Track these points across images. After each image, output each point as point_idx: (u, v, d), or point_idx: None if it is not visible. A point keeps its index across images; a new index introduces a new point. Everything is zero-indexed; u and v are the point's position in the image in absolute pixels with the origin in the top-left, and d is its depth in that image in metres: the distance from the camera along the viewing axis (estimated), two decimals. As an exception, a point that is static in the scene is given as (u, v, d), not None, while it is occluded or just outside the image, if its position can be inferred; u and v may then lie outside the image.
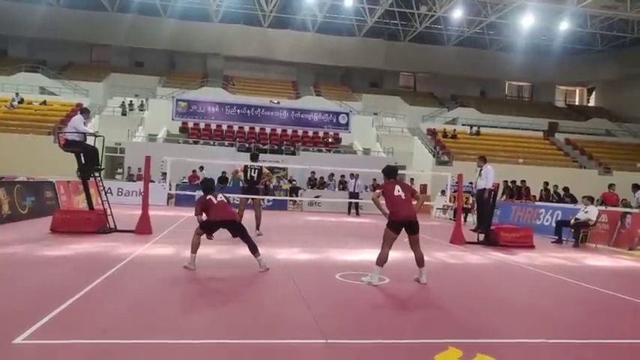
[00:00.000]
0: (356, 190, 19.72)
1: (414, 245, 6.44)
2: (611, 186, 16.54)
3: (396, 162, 25.43)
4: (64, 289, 5.02)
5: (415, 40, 36.05)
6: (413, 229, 6.33)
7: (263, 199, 12.21)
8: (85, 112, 10.77)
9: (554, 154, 30.02)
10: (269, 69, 36.91)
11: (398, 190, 6.37)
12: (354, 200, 18.83)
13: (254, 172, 10.77)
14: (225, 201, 6.98)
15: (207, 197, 6.96)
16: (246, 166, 10.98)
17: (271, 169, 23.26)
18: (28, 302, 4.64)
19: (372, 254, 8.79)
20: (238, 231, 6.82)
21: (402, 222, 6.27)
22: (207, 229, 6.89)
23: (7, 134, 22.42)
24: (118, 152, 24.10)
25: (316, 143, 27.19)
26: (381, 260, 6.21)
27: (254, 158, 11.24)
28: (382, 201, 6.52)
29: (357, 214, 19.40)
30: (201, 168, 20.36)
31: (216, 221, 6.80)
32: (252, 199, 10.99)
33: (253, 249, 6.71)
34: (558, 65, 37.35)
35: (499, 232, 10.93)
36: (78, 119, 10.05)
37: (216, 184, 14.79)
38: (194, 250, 6.67)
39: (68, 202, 14.35)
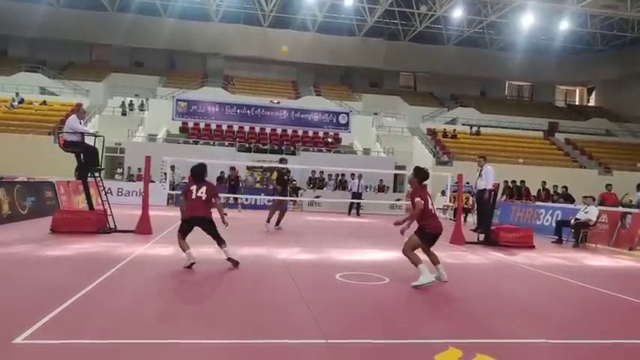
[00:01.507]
0: (359, 191, 19.64)
1: (429, 249, 6.53)
2: (608, 186, 16.55)
3: (396, 162, 25.54)
4: (64, 289, 5.02)
5: (415, 40, 36.07)
6: (435, 241, 6.42)
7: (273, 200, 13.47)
8: (80, 112, 10.72)
9: (554, 154, 30.03)
10: (269, 69, 36.92)
11: (431, 204, 6.39)
12: (356, 201, 18.76)
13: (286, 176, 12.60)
14: (204, 198, 6.85)
15: (191, 187, 7.01)
16: (280, 170, 12.69)
17: (271, 169, 23.29)
18: (29, 302, 4.64)
19: (372, 254, 8.83)
20: (207, 229, 6.91)
21: (437, 235, 6.31)
22: (183, 230, 6.90)
23: (7, 134, 22.45)
24: (118, 152, 24.10)
25: (316, 143, 27.20)
26: (418, 260, 6.19)
27: (282, 162, 12.80)
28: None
29: (358, 214, 19.38)
30: (173, 168, 18.87)
31: (186, 219, 6.89)
32: (280, 202, 12.48)
33: (221, 240, 6.90)
34: (558, 65, 37.38)
35: (499, 233, 10.92)
36: (73, 119, 10.00)
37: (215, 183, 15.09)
38: (184, 249, 6.76)
39: (68, 202, 14.35)
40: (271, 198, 19.70)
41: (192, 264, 6.63)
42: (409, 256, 6.23)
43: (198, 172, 7.17)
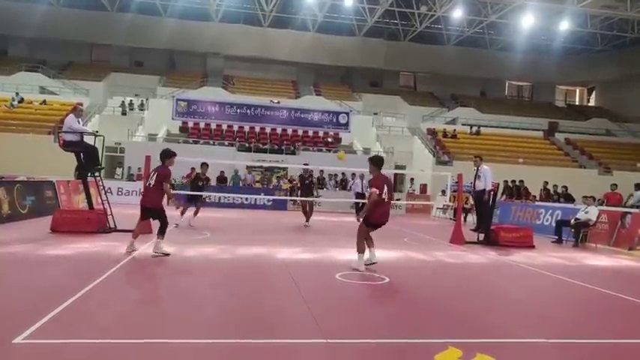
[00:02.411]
0: (363, 191, 19.45)
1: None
2: (612, 185, 16.56)
3: (396, 162, 25.53)
4: (64, 289, 5.02)
5: (415, 40, 36.06)
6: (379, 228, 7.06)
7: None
8: (77, 110, 10.58)
9: (554, 154, 30.03)
10: (269, 69, 36.91)
11: (385, 192, 6.79)
12: (360, 201, 18.54)
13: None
14: (152, 184, 7.33)
15: (151, 171, 7.55)
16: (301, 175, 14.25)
17: (271, 169, 23.34)
18: (28, 302, 4.63)
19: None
20: (155, 217, 7.54)
21: (381, 224, 6.94)
22: (142, 214, 7.58)
23: (7, 134, 22.45)
24: (118, 152, 24.11)
25: (316, 143, 27.20)
26: (362, 250, 6.91)
27: (304, 165, 14.43)
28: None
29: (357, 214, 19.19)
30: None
31: (141, 206, 7.50)
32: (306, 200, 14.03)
33: (161, 231, 7.34)
34: (558, 65, 37.37)
35: (499, 232, 10.92)
36: (71, 119, 9.94)
37: (215, 183, 15.04)
38: (134, 234, 7.57)
39: (68, 202, 14.35)
40: (271, 198, 19.96)
41: (132, 251, 7.40)
42: (357, 242, 6.96)
43: (160, 156, 7.56)
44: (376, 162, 7.08)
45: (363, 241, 6.94)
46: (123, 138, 24.08)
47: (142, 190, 11.29)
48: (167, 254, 7.32)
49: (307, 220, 13.78)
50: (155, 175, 7.35)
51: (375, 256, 6.97)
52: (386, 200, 6.80)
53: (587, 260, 9.61)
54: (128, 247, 7.49)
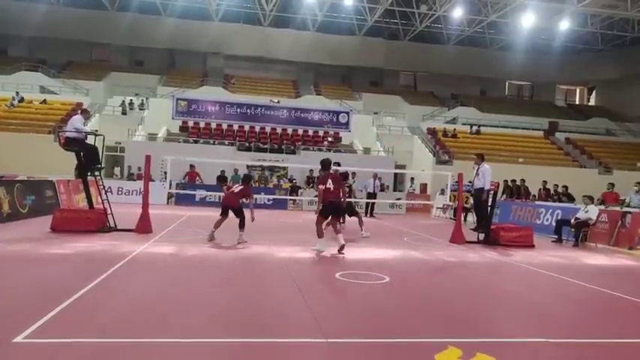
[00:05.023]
0: (375, 191, 18.76)
1: (335, 222, 8.77)
2: (609, 185, 16.54)
3: (396, 162, 25.53)
4: (64, 288, 5.02)
5: (415, 40, 36.08)
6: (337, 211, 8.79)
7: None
8: (85, 112, 10.82)
9: (554, 154, 30.03)
10: (269, 68, 36.93)
11: (330, 183, 8.20)
12: (371, 200, 18.14)
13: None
14: (236, 191, 9.47)
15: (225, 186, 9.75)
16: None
17: (272, 169, 23.35)
18: (28, 301, 4.63)
19: (372, 253, 8.84)
20: (238, 213, 9.18)
21: (331, 203, 8.39)
22: (222, 212, 9.42)
23: (7, 133, 22.46)
24: (118, 151, 24.11)
25: (316, 142, 27.18)
26: (321, 235, 8.38)
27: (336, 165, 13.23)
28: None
29: (372, 214, 18.04)
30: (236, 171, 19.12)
31: (223, 206, 9.50)
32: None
33: (241, 225, 9.07)
34: (558, 64, 37.37)
35: (499, 232, 10.90)
36: (78, 119, 10.07)
37: (215, 182, 15.64)
38: (215, 226, 9.26)
39: (68, 201, 14.34)
40: (271, 197, 19.97)
41: (210, 239, 9.04)
42: (317, 228, 8.36)
43: (245, 179, 10.22)
44: (322, 165, 8.64)
45: (322, 227, 8.35)
46: (123, 137, 24.07)
47: (142, 190, 11.39)
48: (245, 241, 8.95)
49: (361, 227, 11.75)
50: (240, 189, 9.49)
51: (341, 241, 8.20)
52: (332, 189, 8.24)
53: (588, 260, 9.61)
54: (209, 236, 9.18)
